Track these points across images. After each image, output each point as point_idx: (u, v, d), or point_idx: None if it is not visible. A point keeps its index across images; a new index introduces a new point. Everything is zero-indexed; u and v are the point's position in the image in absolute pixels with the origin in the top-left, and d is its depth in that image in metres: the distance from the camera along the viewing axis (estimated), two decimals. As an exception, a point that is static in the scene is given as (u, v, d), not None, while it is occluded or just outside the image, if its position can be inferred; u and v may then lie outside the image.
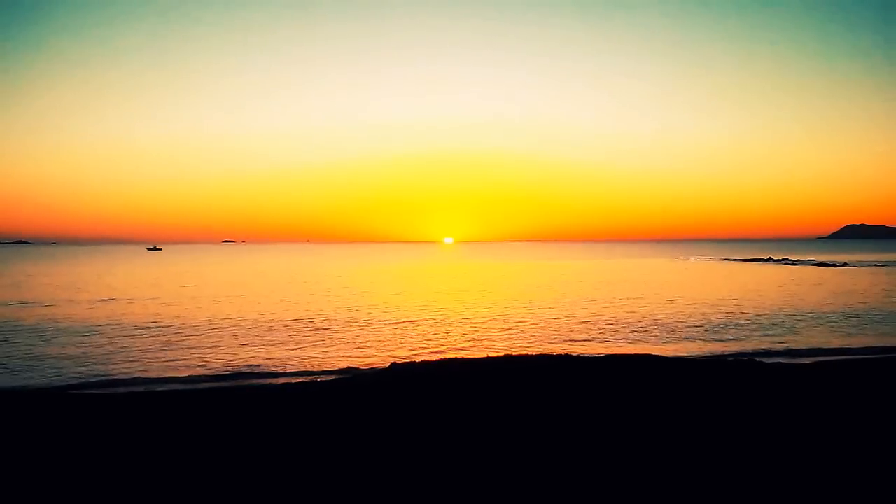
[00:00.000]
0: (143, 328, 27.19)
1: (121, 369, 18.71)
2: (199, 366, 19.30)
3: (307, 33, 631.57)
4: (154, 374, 18.04)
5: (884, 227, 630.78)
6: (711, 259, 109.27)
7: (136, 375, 17.90)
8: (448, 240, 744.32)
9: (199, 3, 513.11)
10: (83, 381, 17.28)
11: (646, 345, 22.81)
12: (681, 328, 26.86)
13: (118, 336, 24.98)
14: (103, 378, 17.55)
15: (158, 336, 25.00)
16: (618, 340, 23.99)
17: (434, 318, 30.95)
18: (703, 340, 23.84)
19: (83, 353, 21.46)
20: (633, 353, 19.99)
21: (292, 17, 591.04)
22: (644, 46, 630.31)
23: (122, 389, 15.29)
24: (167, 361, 19.94)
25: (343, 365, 19.19)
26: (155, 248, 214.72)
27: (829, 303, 36.09)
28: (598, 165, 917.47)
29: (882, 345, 22.48)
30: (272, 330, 26.63)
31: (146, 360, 20.04)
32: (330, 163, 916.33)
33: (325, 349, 22.12)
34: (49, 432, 9.05)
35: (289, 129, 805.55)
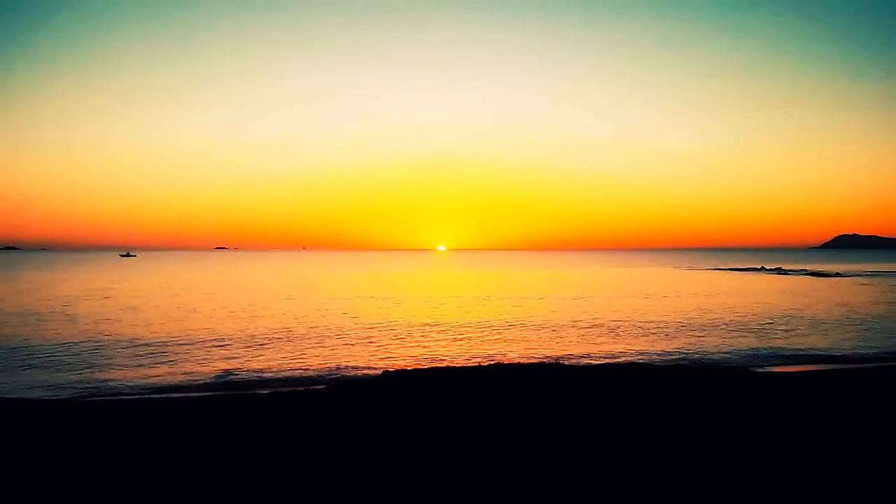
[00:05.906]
0: (131, 337, 26.15)
1: (110, 379, 18.03)
2: (191, 375, 18.64)
3: (301, 39, 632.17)
4: (146, 382, 17.50)
5: (876, 236, 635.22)
6: (705, 269, 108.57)
7: (125, 384, 17.30)
8: (441, 248, 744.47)
9: (190, 8, 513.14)
10: (71, 390, 16.72)
11: (635, 352, 22.60)
12: (672, 336, 26.62)
13: (101, 346, 23.82)
14: (92, 387, 16.98)
15: (146, 345, 24.02)
16: (607, 349, 23.70)
17: (426, 325, 30.66)
18: (696, 349, 23.55)
19: (61, 362, 20.60)
20: (624, 361, 19.88)
21: (285, 22, 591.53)
22: (642, 54, 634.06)
23: (112, 398, 14.81)
24: (158, 369, 19.37)
25: (335, 373, 18.93)
26: (128, 255, 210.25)
27: (822, 312, 36.11)
28: (592, 174, 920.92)
29: (873, 354, 22.40)
30: (262, 338, 25.79)
31: (134, 369, 19.44)
32: (326, 169, 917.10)
33: (318, 357, 21.67)
34: (42, 441, 9.04)
35: (283, 135, 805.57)
